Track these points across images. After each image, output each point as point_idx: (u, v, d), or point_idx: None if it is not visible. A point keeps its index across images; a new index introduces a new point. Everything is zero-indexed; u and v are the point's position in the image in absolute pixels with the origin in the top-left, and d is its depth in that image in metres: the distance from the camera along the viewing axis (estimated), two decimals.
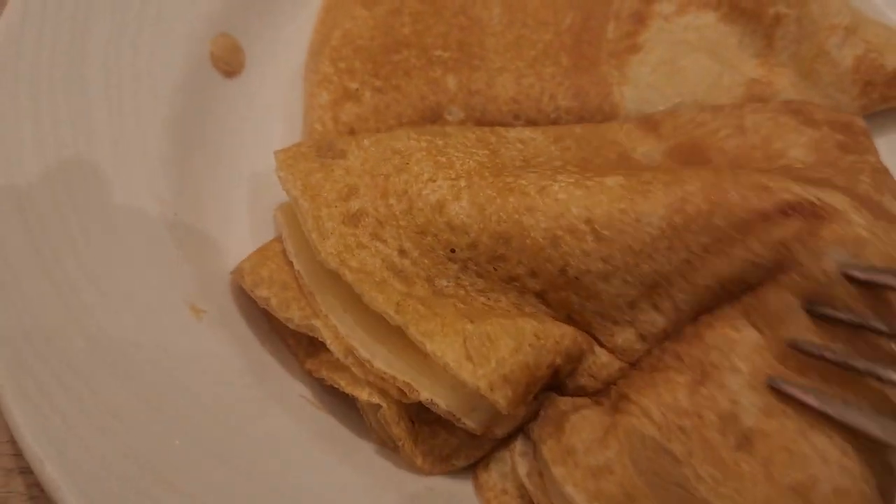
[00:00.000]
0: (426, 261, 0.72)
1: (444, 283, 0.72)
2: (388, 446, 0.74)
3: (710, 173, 0.72)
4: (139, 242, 0.76)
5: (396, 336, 0.69)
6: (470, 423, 0.68)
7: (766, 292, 0.69)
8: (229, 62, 0.91)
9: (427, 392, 0.67)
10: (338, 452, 0.71)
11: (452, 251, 0.72)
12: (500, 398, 0.65)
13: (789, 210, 0.68)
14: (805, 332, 0.67)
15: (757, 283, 0.70)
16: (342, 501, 0.68)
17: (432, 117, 0.88)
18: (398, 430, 0.70)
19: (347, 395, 0.72)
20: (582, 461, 0.65)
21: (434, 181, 0.73)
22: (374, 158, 0.76)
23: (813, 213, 0.68)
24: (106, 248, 0.74)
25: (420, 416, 0.73)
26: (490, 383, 0.65)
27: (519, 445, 0.73)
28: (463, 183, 0.73)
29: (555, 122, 0.89)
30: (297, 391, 0.75)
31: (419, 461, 0.71)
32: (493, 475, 0.73)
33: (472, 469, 0.74)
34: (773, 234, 0.68)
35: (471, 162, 0.76)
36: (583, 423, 0.68)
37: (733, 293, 0.71)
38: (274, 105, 0.92)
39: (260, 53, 0.94)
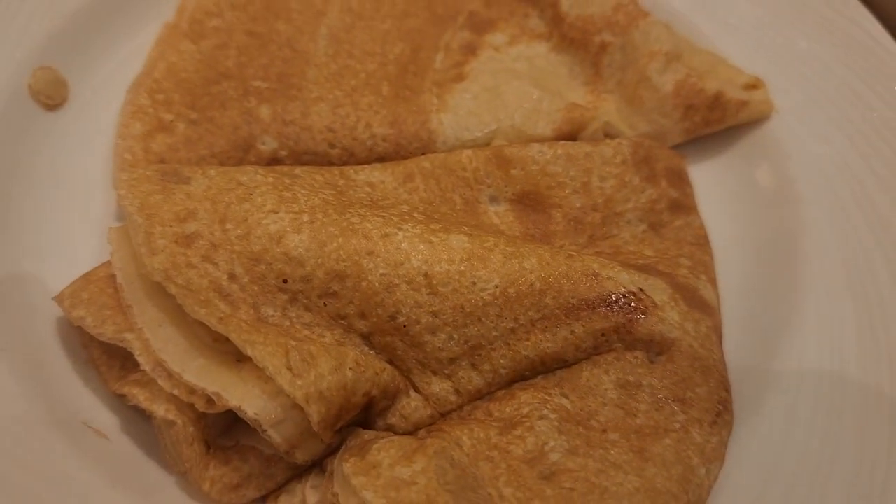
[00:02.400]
0: (255, 287, 0.72)
1: (271, 311, 0.72)
2: (177, 471, 0.73)
3: (547, 252, 0.76)
4: None
5: (210, 352, 0.70)
6: (275, 435, 0.67)
7: (580, 368, 0.75)
8: (50, 95, 0.88)
9: (236, 400, 0.66)
10: (109, 477, 0.70)
11: (284, 282, 0.72)
12: (314, 412, 0.66)
13: (612, 303, 0.74)
14: (611, 405, 0.73)
15: (574, 362, 0.76)
16: None
17: (244, 146, 0.87)
18: (189, 452, 0.70)
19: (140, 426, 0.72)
20: (385, 473, 0.66)
21: (276, 213, 0.73)
22: (218, 187, 0.75)
23: (633, 308, 0.75)
24: None
25: (216, 443, 0.73)
26: (306, 395, 0.65)
27: (311, 479, 0.74)
28: (306, 217, 0.73)
29: (371, 150, 0.89)
30: (81, 418, 0.73)
31: (206, 486, 0.71)
32: None
33: (262, 501, 0.73)
34: (595, 324, 0.74)
35: (316, 199, 0.76)
36: (390, 445, 0.69)
37: (550, 368, 0.76)
38: (95, 137, 0.90)
39: (85, 86, 0.92)
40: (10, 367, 0.74)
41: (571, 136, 0.93)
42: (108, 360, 0.77)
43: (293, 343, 0.68)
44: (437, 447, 0.66)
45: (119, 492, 0.69)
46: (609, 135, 0.94)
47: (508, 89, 0.94)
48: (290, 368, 0.66)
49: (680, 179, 0.90)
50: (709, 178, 0.96)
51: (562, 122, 0.93)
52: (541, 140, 0.92)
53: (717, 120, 0.96)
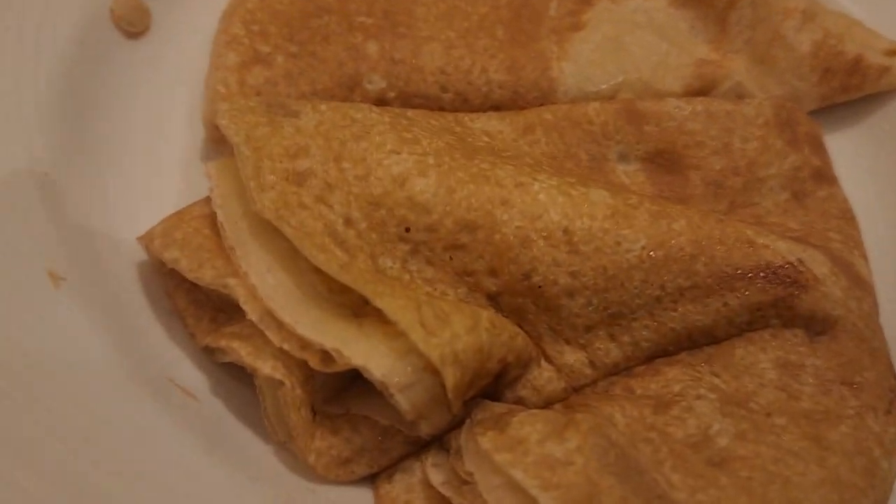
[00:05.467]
0: (374, 235, 0.63)
1: (389, 263, 0.64)
2: (277, 440, 0.64)
3: (697, 214, 0.68)
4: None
5: (326, 304, 0.61)
6: (403, 401, 0.58)
7: (732, 345, 0.67)
8: (132, 22, 0.80)
9: (360, 358, 0.57)
10: (203, 442, 0.61)
11: (407, 230, 0.63)
12: (450, 375, 0.57)
13: (770, 274, 0.66)
14: (770, 387, 0.65)
15: (724, 338, 0.68)
16: (205, 495, 0.58)
17: (350, 85, 0.77)
18: (296, 417, 0.61)
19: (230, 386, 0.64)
20: (534, 450, 0.57)
21: (398, 153, 0.65)
22: (331, 122, 0.67)
23: (793, 281, 0.66)
24: None
25: (323, 411, 0.64)
26: (442, 356, 0.56)
27: (432, 457, 0.65)
28: (431, 160, 0.65)
29: (486, 96, 0.80)
30: (167, 374, 0.64)
31: (312, 458, 0.62)
32: (397, 487, 0.65)
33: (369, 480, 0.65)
34: (752, 296, 0.66)
35: (440, 142, 0.67)
36: (534, 419, 0.60)
37: (696, 343, 0.68)
38: (179, 69, 0.82)
39: (168, 15, 0.84)
40: (90, 315, 0.65)
41: (702, 94, 0.85)
42: (195, 311, 0.69)
43: (424, 297, 0.60)
44: (592, 423, 0.58)
45: (218, 459, 0.60)
46: (740, 96, 0.86)
47: (633, 40, 0.85)
48: (423, 325, 0.57)
49: (821, 147, 0.82)
50: (845, 151, 0.87)
51: (692, 78, 0.84)
52: (670, 96, 0.83)
53: (856, 86, 0.88)
